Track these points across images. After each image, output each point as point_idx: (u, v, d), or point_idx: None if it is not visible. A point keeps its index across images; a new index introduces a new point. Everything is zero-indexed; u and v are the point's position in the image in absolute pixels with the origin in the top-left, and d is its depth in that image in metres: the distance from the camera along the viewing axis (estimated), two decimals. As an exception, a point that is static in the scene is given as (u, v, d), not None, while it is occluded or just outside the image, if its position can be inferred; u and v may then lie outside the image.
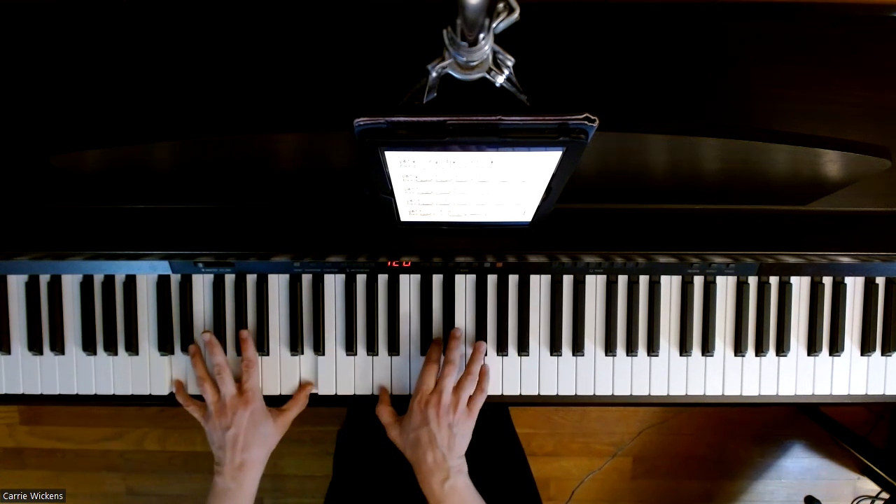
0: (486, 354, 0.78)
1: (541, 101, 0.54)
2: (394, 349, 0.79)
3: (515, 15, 0.41)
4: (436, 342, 0.78)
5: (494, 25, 0.41)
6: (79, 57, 0.66)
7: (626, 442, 1.58)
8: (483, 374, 0.76)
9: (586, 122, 0.41)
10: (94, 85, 0.66)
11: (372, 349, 0.79)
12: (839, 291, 0.79)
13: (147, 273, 0.79)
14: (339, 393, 0.80)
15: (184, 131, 0.50)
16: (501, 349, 0.79)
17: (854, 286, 0.80)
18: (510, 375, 0.80)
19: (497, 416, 1.06)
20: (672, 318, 0.80)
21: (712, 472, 1.60)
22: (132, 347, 0.79)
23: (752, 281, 0.80)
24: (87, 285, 0.79)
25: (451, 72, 0.45)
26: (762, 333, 0.79)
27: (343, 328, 0.79)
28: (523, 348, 0.79)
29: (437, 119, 0.41)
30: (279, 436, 0.76)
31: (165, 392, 0.80)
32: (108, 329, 0.79)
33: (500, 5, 0.41)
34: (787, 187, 0.62)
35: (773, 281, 0.80)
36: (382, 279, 0.79)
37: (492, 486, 0.87)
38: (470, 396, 0.74)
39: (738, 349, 0.80)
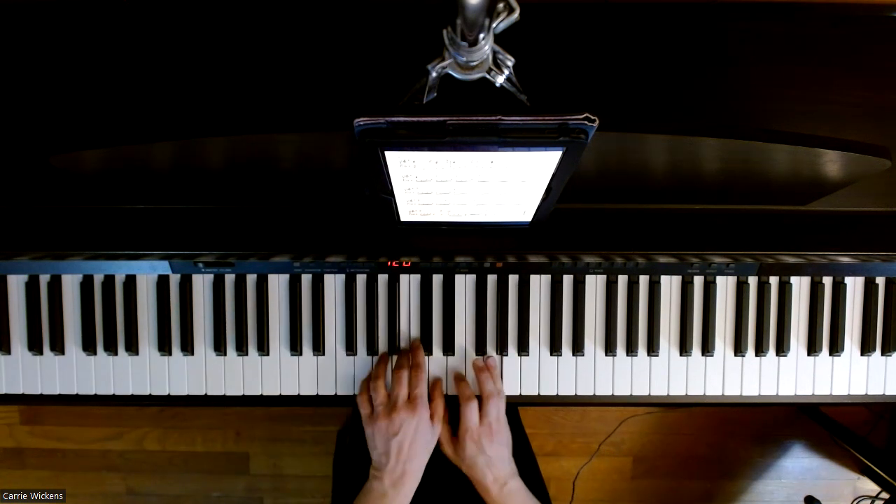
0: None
1: (541, 101, 0.54)
2: (394, 349, 0.79)
3: (515, 15, 0.41)
4: (459, 377, 0.80)
5: (494, 25, 0.41)
6: (79, 57, 0.66)
7: (624, 440, 1.58)
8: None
9: (586, 122, 0.41)
10: (93, 85, 0.66)
11: (372, 349, 0.79)
12: (839, 291, 0.79)
13: (147, 273, 0.79)
14: (339, 393, 0.80)
15: (184, 131, 0.50)
16: (501, 349, 0.79)
17: (854, 286, 0.80)
18: (510, 375, 0.80)
19: (507, 415, 1.05)
20: (672, 318, 0.80)
21: (712, 472, 1.60)
22: (132, 347, 0.79)
23: (752, 281, 0.80)
24: (87, 285, 0.79)
25: (451, 72, 0.45)
26: (762, 333, 0.79)
27: (343, 328, 0.80)
28: (523, 348, 0.79)
29: (437, 119, 0.41)
30: (436, 441, 0.76)
31: (165, 392, 0.80)
32: (108, 329, 0.79)
33: (500, 5, 0.41)
34: (787, 187, 0.62)
35: (773, 281, 0.80)
36: (382, 279, 0.79)
37: None
38: None
39: (738, 349, 0.80)
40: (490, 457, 0.74)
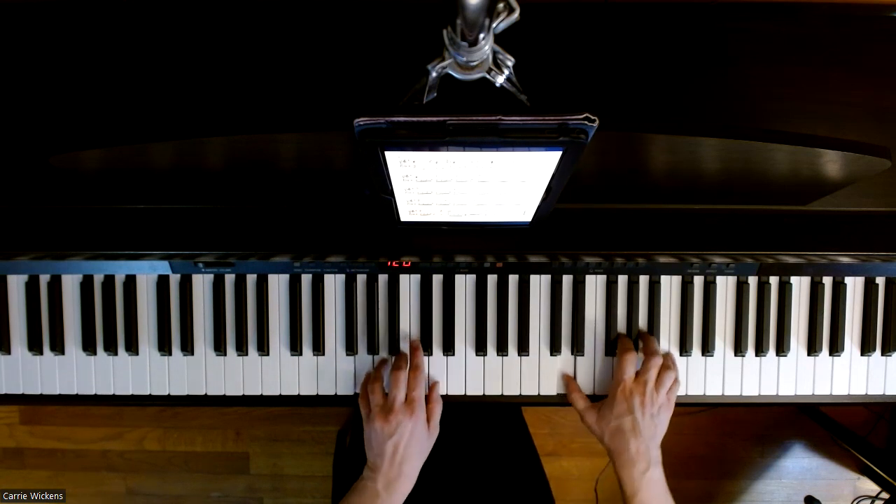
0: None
1: (541, 101, 0.54)
2: (394, 349, 0.79)
3: (515, 15, 0.41)
4: (623, 336, 0.79)
5: (494, 25, 0.41)
6: (78, 57, 0.66)
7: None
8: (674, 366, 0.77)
9: (586, 122, 0.41)
10: (93, 85, 0.66)
11: (372, 349, 0.79)
12: (839, 291, 0.79)
13: (147, 273, 0.79)
14: (339, 393, 0.80)
15: (184, 131, 0.50)
16: (501, 349, 0.79)
17: (854, 286, 0.80)
18: (510, 375, 0.80)
19: (510, 415, 1.05)
20: (672, 318, 0.80)
21: (712, 472, 1.60)
22: (132, 347, 0.79)
23: (752, 281, 0.80)
24: (87, 285, 0.79)
25: (451, 72, 0.45)
26: (762, 333, 0.79)
27: (343, 328, 0.80)
28: (523, 348, 0.79)
29: (438, 119, 0.41)
30: (432, 444, 0.75)
31: (165, 392, 0.80)
32: (108, 329, 0.79)
33: (500, 5, 0.41)
34: (787, 187, 0.62)
35: (773, 281, 0.80)
36: (382, 279, 0.79)
37: (505, 485, 0.87)
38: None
39: (738, 349, 0.80)
40: (638, 422, 0.70)
